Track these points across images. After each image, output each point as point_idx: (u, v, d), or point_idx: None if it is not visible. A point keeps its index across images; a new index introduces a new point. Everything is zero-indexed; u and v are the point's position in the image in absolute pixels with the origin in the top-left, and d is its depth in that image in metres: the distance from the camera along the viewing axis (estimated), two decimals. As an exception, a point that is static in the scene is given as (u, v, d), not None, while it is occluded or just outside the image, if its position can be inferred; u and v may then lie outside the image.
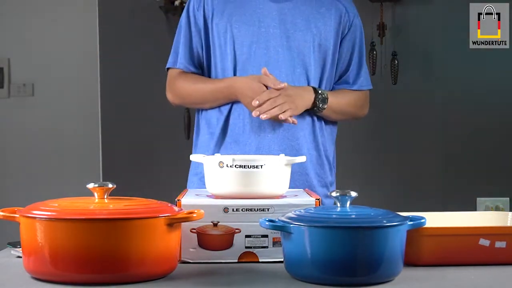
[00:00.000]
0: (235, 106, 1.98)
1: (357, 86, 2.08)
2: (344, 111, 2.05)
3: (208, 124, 2.03)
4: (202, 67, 2.04)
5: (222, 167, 1.48)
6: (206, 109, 2.03)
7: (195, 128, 2.09)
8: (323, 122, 2.03)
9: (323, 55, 1.99)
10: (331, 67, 2.02)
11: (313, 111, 1.98)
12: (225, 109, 1.99)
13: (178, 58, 2.03)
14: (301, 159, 1.57)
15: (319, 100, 1.95)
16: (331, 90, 2.05)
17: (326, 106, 1.96)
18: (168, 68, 2.08)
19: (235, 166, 1.47)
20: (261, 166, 1.47)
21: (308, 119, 1.99)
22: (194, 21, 2.01)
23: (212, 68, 2.01)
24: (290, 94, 1.89)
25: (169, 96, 2.09)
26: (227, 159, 1.48)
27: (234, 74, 1.97)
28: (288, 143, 1.96)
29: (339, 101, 2.02)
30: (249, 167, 1.47)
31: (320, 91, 1.96)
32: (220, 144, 2.00)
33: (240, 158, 1.48)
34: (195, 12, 2.01)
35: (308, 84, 1.98)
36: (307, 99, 1.94)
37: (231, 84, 1.94)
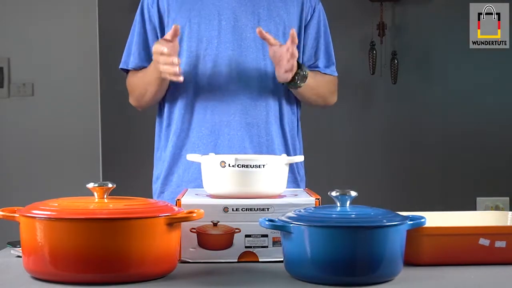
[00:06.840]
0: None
1: (330, 71, 2.01)
2: (320, 92, 1.98)
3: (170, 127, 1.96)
4: None
5: (224, 166, 1.48)
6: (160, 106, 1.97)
7: (156, 138, 2.01)
8: (290, 111, 1.97)
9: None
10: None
11: (289, 86, 1.89)
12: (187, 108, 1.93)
13: (132, 57, 1.97)
14: (300, 158, 1.57)
15: (299, 76, 1.86)
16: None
17: (303, 84, 1.88)
18: (126, 71, 2.01)
19: (238, 165, 1.47)
20: (263, 165, 1.47)
21: (275, 110, 1.94)
22: (149, 18, 1.94)
23: None
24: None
25: (130, 99, 2.02)
26: (229, 158, 1.48)
27: (195, 71, 1.89)
28: (258, 140, 1.92)
29: (317, 80, 1.94)
30: (251, 166, 1.47)
31: (303, 67, 1.87)
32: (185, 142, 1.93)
33: (243, 158, 1.48)
34: (149, 8, 1.93)
35: (268, 74, 1.90)
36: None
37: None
